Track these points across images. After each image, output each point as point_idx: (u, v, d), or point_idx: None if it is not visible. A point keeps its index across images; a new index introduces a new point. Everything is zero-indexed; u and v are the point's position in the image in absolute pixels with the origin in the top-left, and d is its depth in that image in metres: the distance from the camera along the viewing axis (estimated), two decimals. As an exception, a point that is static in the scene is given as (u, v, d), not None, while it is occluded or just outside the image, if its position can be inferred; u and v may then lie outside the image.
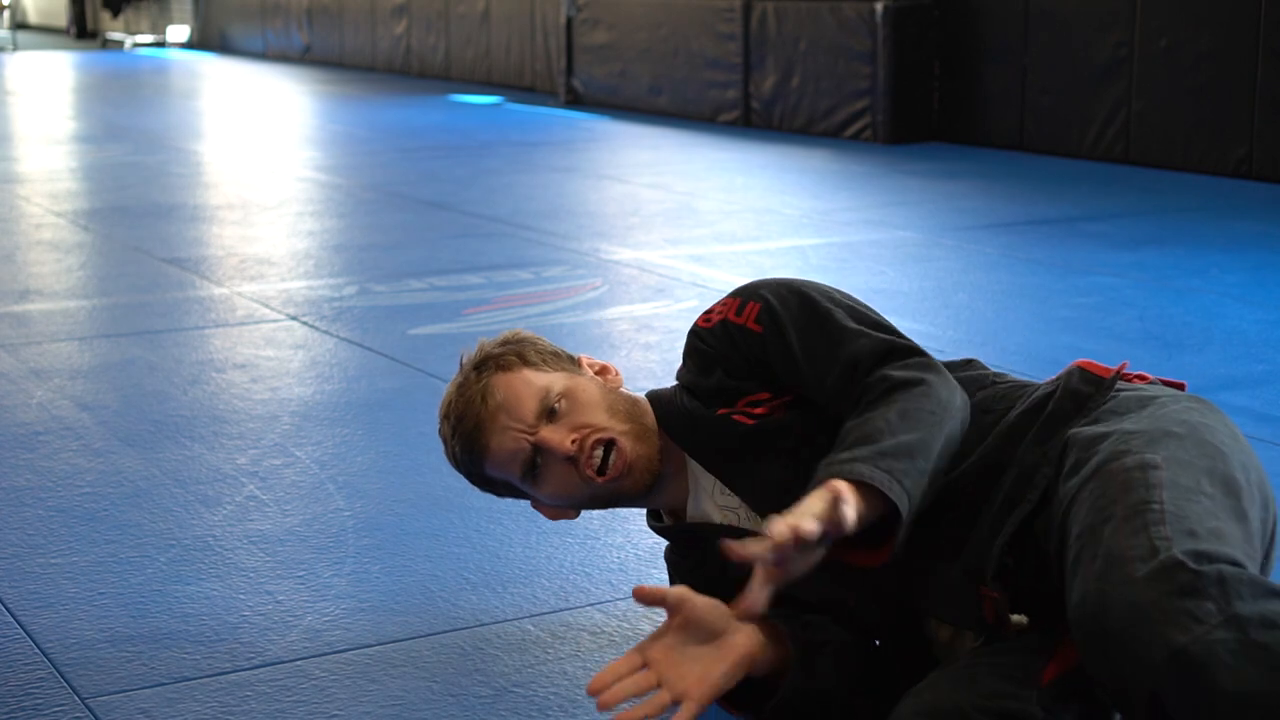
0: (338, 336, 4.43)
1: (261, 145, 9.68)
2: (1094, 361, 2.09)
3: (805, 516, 1.76)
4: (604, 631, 2.42)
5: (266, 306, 4.83)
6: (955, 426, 1.98)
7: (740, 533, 2.10)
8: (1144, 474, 1.76)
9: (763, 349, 2.11)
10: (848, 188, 7.75)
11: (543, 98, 12.24)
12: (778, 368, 2.11)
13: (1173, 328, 4.51)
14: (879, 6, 9.12)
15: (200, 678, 2.27)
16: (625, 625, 2.44)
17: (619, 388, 2.25)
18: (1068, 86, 8.50)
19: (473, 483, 2.25)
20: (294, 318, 4.66)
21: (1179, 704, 1.56)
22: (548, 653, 2.35)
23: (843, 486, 1.80)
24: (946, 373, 2.06)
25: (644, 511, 2.35)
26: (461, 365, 2.23)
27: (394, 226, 6.49)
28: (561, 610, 2.50)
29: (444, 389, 2.25)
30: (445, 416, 2.20)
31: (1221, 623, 1.56)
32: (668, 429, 2.18)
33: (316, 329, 4.52)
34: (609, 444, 2.13)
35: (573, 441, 2.12)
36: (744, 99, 10.17)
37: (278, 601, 2.54)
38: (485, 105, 11.98)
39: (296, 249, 5.91)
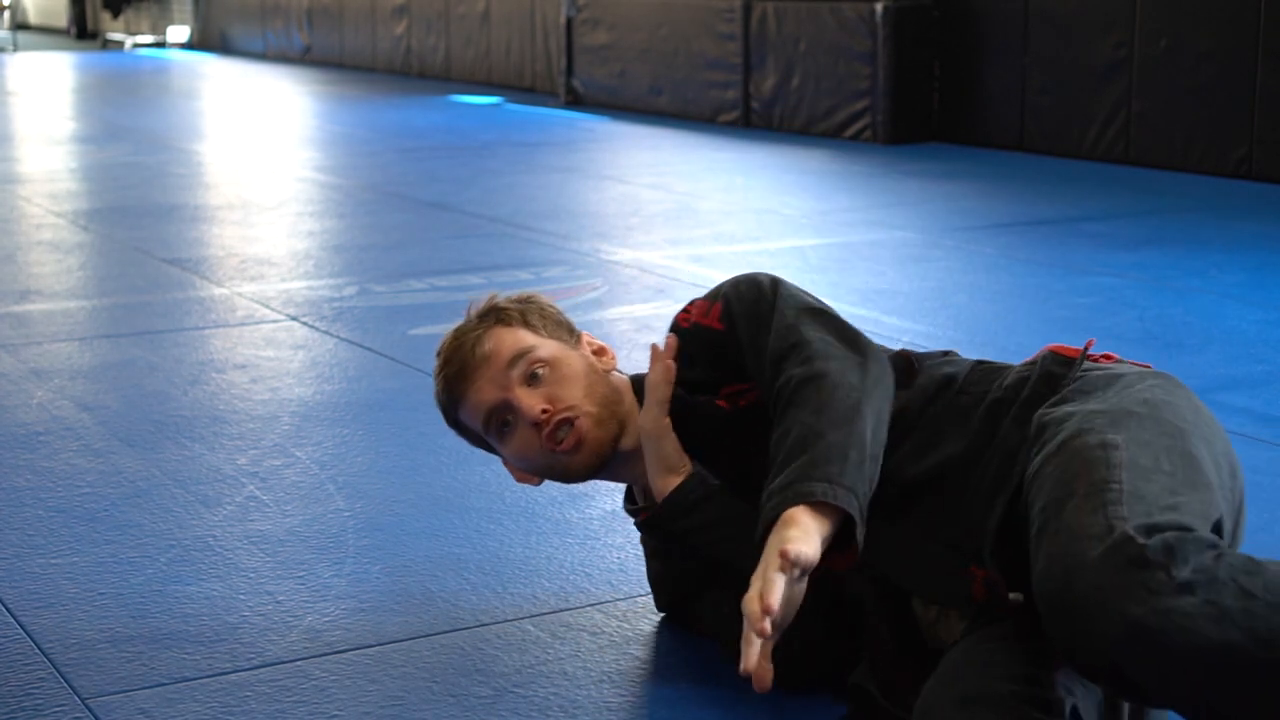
0: (338, 337, 4.43)
1: (261, 145, 9.68)
2: (1064, 345, 2.13)
3: (770, 593, 1.76)
4: (604, 631, 2.42)
5: (266, 307, 4.83)
6: (879, 400, 1.99)
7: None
8: (1105, 453, 1.81)
9: (724, 346, 2.16)
10: (847, 188, 7.75)
11: (543, 98, 12.24)
12: (741, 362, 2.15)
13: (1173, 328, 4.52)
14: (879, 6, 9.12)
15: (200, 678, 2.27)
16: (625, 625, 2.44)
17: (611, 370, 2.30)
18: (1068, 86, 8.50)
19: (449, 425, 2.31)
20: (294, 318, 4.66)
21: (1139, 672, 1.63)
22: (548, 653, 2.35)
23: (791, 549, 1.78)
24: (855, 349, 2.05)
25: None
26: (468, 311, 2.31)
27: (394, 227, 6.49)
28: (561, 610, 2.50)
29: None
30: (437, 354, 2.28)
31: (1174, 589, 1.62)
32: None
33: (316, 329, 4.52)
34: (570, 421, 2.18)
35: (543, 410, 2.18)
36: (744, 99, 10.17)
37: (278, 602, 2.54)
38: (485, 106, 11.98)
39: (296, 249, 5.92)
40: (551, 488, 3.09)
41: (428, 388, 3.79)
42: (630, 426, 2.23)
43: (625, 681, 2.25)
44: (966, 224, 6.42)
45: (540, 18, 12.56)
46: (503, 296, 2.32)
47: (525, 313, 2.28)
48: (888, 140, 9.18)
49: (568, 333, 2.31)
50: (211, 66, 16.63)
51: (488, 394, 2.20)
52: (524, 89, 12.86)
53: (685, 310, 2.24)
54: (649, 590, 2.57)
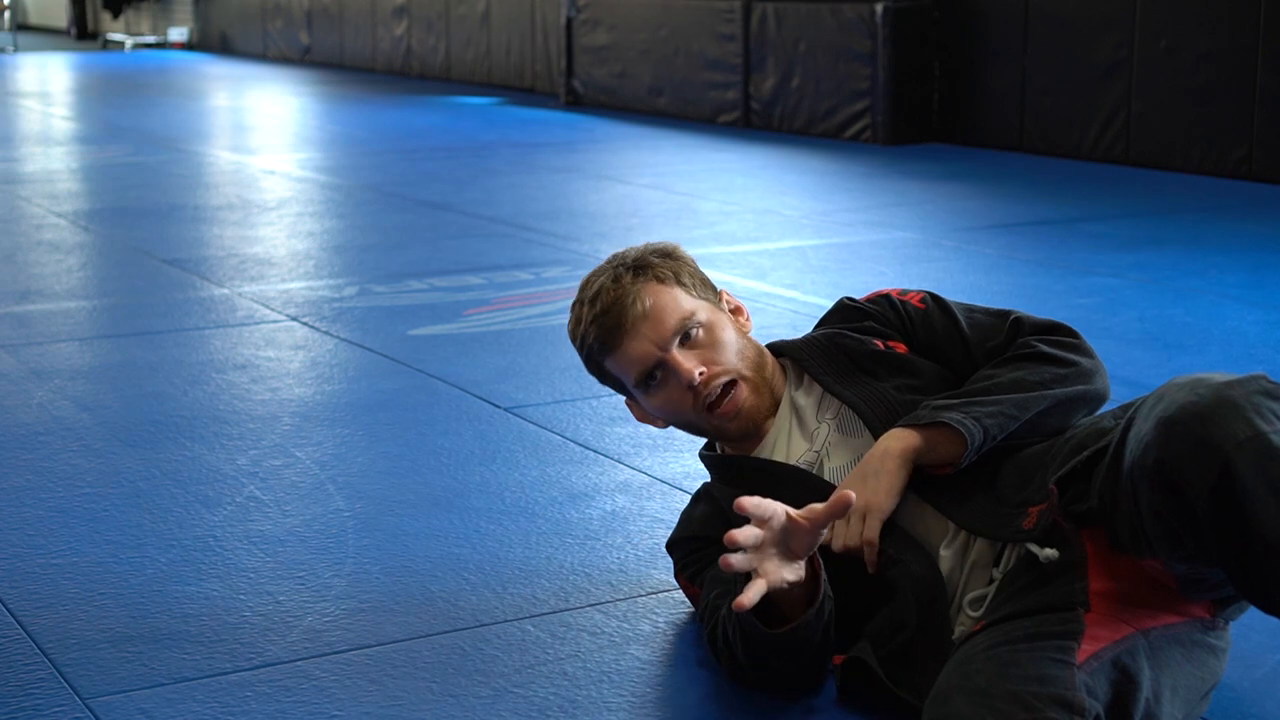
0: (338, 337, 4.43)
1: (262, 145, 9.68)
2: None
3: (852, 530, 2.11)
4: (604, 631, 2.42)
5: (267, 307, 4.83)
6: (1074, 394, 2.17)
7: (799, 474, 2.23)
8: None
9: (924, 320, 2.31)
10: (847, 189, 7.75)
11: (543, 98, 12.24)
12: (933, 336, 2.30)
13: (1173, 328, 4.52)
14: (879, 7, 9.12)
15: (200, 678, 2.27)
16: (625, 625, 2.45)
17: (748, 332, 2.37)
18: (1068, 86, 8.50)
19: (588, 366, 2.38)
20: (294, 318, 4.67)
21: (1249, 477, 1.75)
22: (548, 653, 2.35)
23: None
24: (1096, 360, 2.24)
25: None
26: (614, 258, 2.34)
27: (394, 227, 6.49)
28: (561, 610, 2.51)
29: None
30: (590, 302, 2.31)
31: None
32: (789, 352, 2.33)
33: (317, 330, 4.52)
34: (730, 384, 2.26)
35: (700, 373, 2.24)
36: (744, 100, 10.17)
37: (278, 602, 2.54)
38: (485, 106, 11.98)
39: (296, 249, 5.92)
40: (553, 489, 3.09)
41: (428, 388, 3.81)
42: (779, 396, 2.30)
43: (625, 681, 2.26)
44: (966, 224, 6.42)
45: (540, 18, 12.56)
46: (650, 250, 2.35)
47: (678, 272, 2.33)
48: (888, 141, 9.18)
49: (712, 292, 2.37)
50: (212, 67, 16.63)
51: (645, 350, 2.26)
52: (524, 89, 12.86)
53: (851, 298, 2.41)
54: (649, 590, 2.57)
